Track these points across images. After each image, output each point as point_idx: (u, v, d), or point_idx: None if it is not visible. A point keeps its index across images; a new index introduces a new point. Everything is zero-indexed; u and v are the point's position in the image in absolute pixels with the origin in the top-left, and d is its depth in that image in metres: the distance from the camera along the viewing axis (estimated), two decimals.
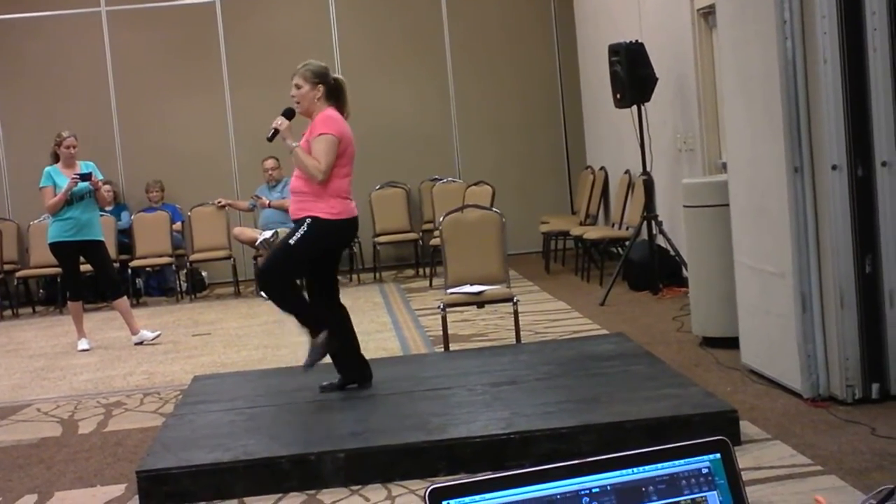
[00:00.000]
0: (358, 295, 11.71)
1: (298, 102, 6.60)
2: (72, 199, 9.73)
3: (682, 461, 1.49)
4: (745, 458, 5.27)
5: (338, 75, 6.80)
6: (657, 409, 5.76)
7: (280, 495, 5.43)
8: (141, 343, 10.02)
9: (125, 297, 10.29)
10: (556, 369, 6.89)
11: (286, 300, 6.65)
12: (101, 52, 14.18)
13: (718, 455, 1.51)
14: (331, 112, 6.52)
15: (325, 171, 6.38)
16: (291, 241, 6.50)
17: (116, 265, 12.63)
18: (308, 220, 6.48)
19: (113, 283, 10.21)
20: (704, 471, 1.50)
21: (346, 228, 6.63)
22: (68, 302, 10.35)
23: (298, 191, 6.57)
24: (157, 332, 10.22)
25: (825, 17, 5.97)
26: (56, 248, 9.90)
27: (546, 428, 5.63)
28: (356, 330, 6.85)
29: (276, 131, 6.62)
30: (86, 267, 10.25)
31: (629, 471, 1.47)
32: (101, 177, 10.01)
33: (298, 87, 6.57)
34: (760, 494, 4.84)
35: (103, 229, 10.26)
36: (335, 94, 6.62)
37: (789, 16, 6.10)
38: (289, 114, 6.67)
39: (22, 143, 13.80)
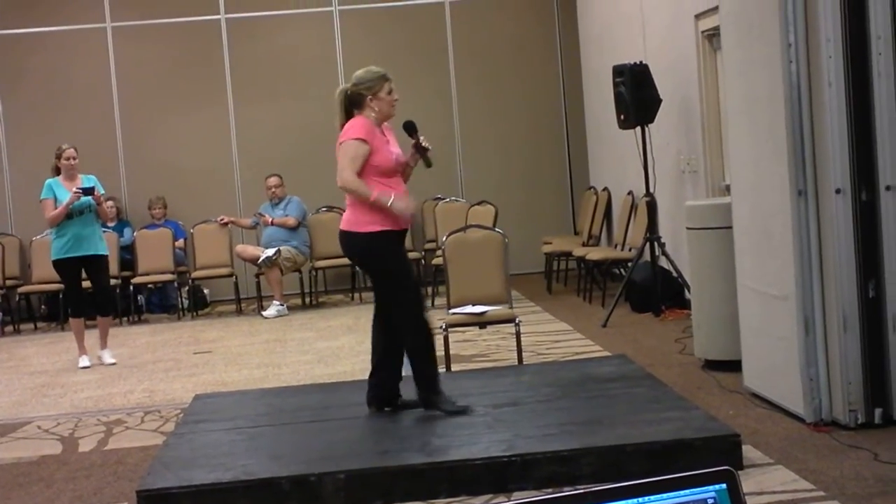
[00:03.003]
0: (360, 314, 11.67)
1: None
2: (72, 214, 9.73)
3: (686, 491, 1.48)
4: (747, 482, 5.25)
5: None
6: (659, 432, 5.73)
7: None
8: (101, 361, 10.05)
9: (110, 317, 10.34)
10: (558, 391, 6.87)
11: None
12: (106, 67, 14.22)
13: (724, 485, 1.49)
14: None
15: None
16: None
17: (118, 281, 12.65)
18: None
19: (107, 301, 10.23)
20: (710, 501, 1.48)
21: None
22: (70, 318, 10.33)
23: None
24: (115, 361, 10.13)
25: (830, 40, 5.97)
26: (59, 265, 9.91)
27: (547, 450, 5.60)
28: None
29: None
30: (86, 283, 10.25)
31: (633, 500, 1.46)
32: (102, 191, 10.02)
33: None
34: None
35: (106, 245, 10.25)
36: None
37: (794, 39, 6.10)
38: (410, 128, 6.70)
39: (25, 158, 13.81)
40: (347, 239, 6.48)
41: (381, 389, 6.62)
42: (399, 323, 6.48)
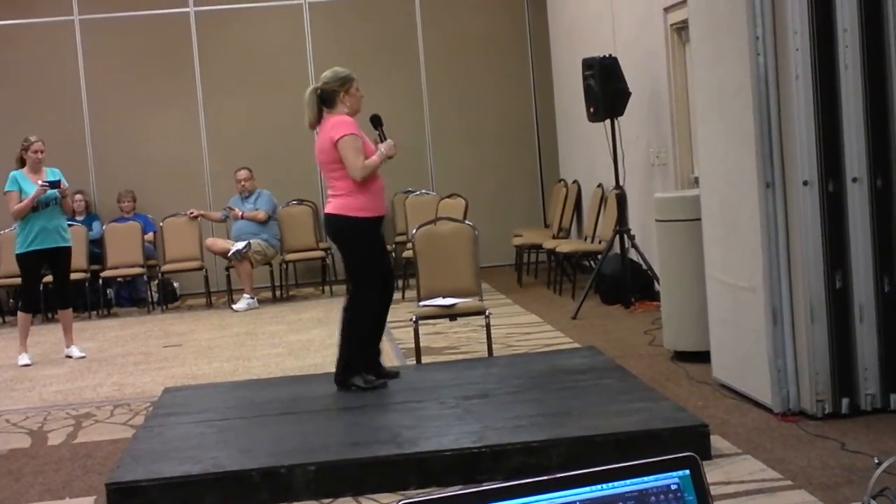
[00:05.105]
0: (331, 306, 11.69)
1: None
2: (37, 207, 9.63)
3: (651, 477, 1.49)
4: (715, 472, 5.29)
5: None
6: (628, 423, 5.76)
7: None
8: (70, 357, 10.00)
9: (71, 310, 10.20)
10: (528, 383, 6.89)
11: None
12: (74, 60, 14.13)
13: (687, 471, 1.50)
14: None
15: None
16: None
17: (87, 275, 12.59)
18: None
19: (67, 293, 10.11)
20: (674, 487, 1.49)
21: None
22: (19, 312, 10.12)
23: None
24: (84, 354, 10.11)
25: (797, 33, 6.01)
26: (22, 258, 9.80)
27: (517, 442, 5.62)
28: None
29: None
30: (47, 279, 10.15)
31: (598, 486, 1.47)
32: (66, 184, 9.92)
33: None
34: None
35: (73, 239, 10.17)
36: None
37: (762, 32, 6.14)
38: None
39: None
40: (335, 221, 6.87)
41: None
42: (356, 303, 6.89)
